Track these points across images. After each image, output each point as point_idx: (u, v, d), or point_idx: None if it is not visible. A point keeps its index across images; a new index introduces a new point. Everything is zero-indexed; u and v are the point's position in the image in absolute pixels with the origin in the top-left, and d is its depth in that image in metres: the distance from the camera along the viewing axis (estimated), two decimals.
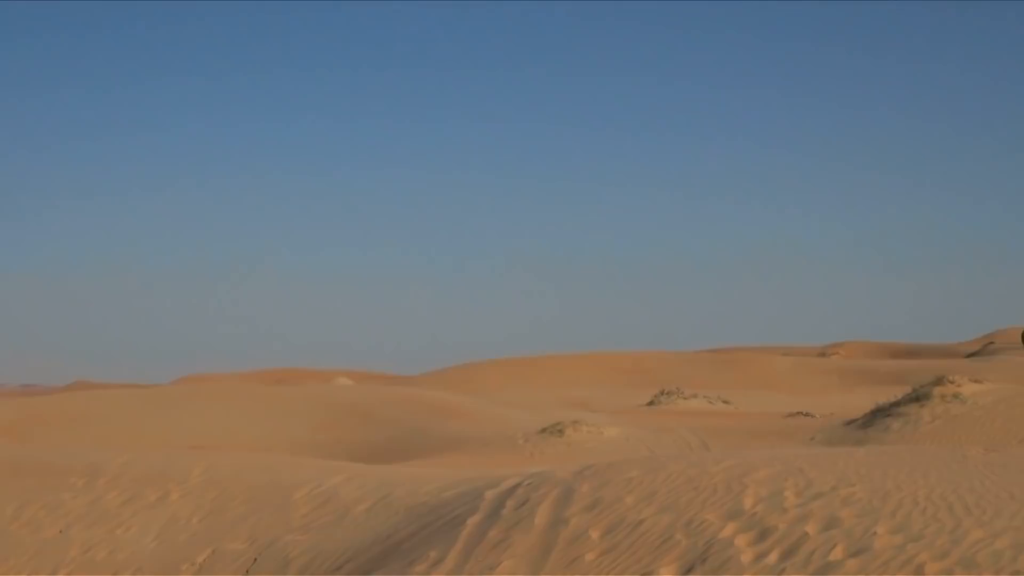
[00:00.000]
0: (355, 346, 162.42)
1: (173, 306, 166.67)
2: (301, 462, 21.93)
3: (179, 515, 18.21)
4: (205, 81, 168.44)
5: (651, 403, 57.57)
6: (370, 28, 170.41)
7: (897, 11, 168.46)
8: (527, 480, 14.55)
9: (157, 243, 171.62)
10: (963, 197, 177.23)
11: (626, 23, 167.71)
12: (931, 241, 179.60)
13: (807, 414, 45.60)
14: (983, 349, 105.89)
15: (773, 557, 10.15)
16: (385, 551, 14.24)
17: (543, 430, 36.19)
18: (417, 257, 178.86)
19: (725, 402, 57.94)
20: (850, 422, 33.52)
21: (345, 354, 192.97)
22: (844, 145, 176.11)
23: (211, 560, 16.30)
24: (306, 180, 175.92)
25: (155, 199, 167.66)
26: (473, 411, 45.79)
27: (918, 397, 31.30)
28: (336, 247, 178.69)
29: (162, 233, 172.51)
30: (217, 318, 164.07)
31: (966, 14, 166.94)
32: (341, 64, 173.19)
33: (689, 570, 10.37)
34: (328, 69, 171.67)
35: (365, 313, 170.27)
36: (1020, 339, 34.94)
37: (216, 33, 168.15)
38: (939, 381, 31.88)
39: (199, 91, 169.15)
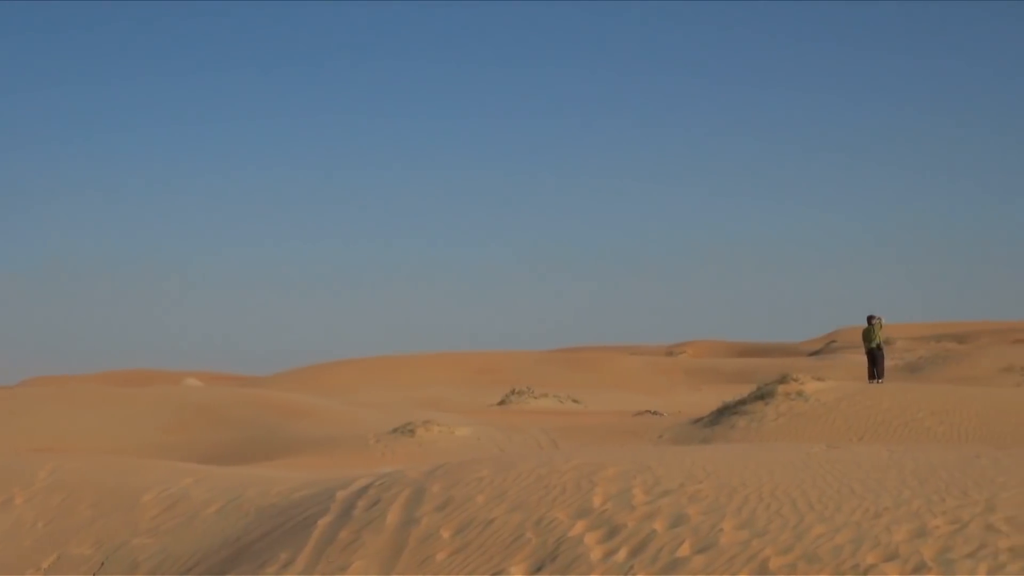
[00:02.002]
0: (204, 346, 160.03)
1: (19, 306, 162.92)
2: (150, 464, 21.66)
3: (24, 519, 17.90)
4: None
5: (502, 402, 57.81)
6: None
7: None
8: (378, 480, 14.56)
9: (3, 243, 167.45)
10: (804, 199, 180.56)
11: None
12: (773, 242, 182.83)
13: (655, 412, 46.16)
14: (825, 347, 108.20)
15: (622, 555, 10.29)
16: (235, 553, 14.15)
17: (394, 430, 36.15)
18: (266, 255, 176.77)
19: (575, 401, 58.40)
20: (697, 420, 33.94)
21: (194, 355, 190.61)
22: (695, 148, 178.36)
23: (56, 565, 16.05)
24: (150, 178, 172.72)
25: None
26: (324, 411, 45.60)
27: (763, 395, 31.74)
28: (183, 245, 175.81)
29: (7, 233, 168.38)
30: (65, 318, 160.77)
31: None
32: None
33: (539, 569, 10.48)
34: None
35: (214, 313, 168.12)
36: (861, 337, 35.51)
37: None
38: (783, 379, 32.36)
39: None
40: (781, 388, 31.81)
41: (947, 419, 28.32)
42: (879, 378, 34.33)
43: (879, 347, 34.66)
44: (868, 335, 34.68)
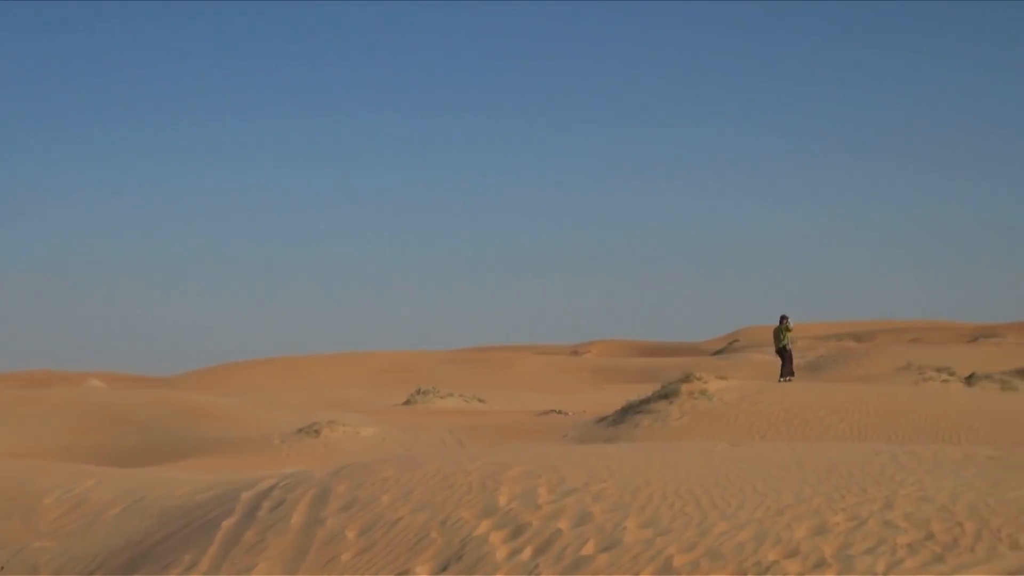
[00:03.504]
0: (103, 346, 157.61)
1: None
2: (51, 467, 21.41)
3: None
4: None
5: (407, 402, 57.69)
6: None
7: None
8: (283, 481, 14.51)
9: None
10: (705, 201, 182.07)
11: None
12: (677, 243, 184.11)
13: (560, 412, 46.35)
14: (728, 347, 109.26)
15: (527, 554, 10.33)
16: (138, 555, 14.03)
17: (300, 431, 36.01)
18: (169, 253, 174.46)
19: (480, 400, 58.46)
20: (601, 419, 34.09)
21: (92, 355, 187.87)
22: (592, 149, 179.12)
23: None
24: (35, 175, 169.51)
25: None
26: (229, 412, 45.27)
27: (666, 394, 31.94)
28: (81, 243, 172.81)
29: None
30: None
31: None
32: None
33: (444, 568, 10.50)
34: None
35: (113, 312, 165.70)
36: (772, 336, 35.85)
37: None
38: (686, 378, 32.59)
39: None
40: (685, 387, 32.05)
41: (847, 417, 28.73)
42: (789, 376, 34.68)
43: (785, 347, 34.98)
44: (778, 335, 34.98)
